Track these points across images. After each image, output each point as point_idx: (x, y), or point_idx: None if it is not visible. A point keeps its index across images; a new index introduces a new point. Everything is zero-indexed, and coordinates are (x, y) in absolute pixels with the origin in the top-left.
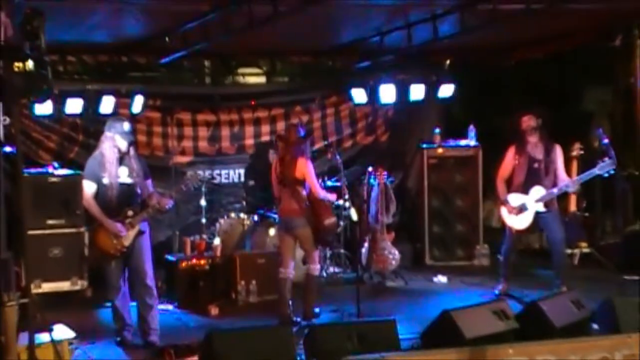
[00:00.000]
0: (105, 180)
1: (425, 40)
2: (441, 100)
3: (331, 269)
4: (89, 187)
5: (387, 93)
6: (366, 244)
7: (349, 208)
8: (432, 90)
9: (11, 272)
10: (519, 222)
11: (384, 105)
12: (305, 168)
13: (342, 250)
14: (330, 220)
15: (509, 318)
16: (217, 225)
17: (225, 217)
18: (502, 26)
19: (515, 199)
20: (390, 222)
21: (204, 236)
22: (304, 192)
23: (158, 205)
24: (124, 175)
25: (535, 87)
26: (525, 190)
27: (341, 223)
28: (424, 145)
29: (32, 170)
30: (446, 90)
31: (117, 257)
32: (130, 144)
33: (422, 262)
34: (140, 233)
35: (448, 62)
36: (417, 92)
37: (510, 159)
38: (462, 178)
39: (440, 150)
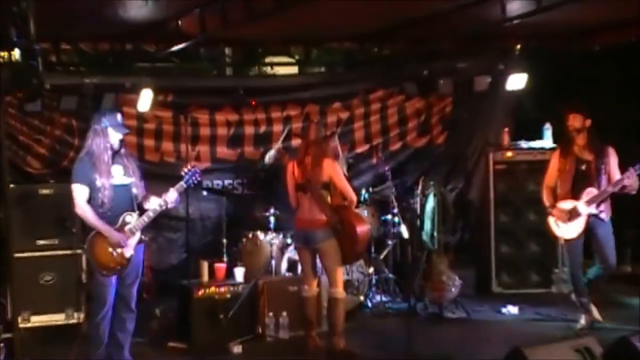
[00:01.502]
0: (98, 182)
1: (492, 20)
2: (510, 93)
3: (377, 298)
4: (81, 192)
5: (445, 85)
6: (420, 268)
7: (399, 224)
8: (499, 81)
9: None
10: (568, 231)
11: (441, 100)
12: (334, 170)
13: (390, 275)
14: (363, 228)
15: (594, 357)
16: (241, 245)
17: (250, 235)
18: (585, 3)
19: (564, 204)
20: (449, 241)
21: (225, 259)
22: (329, 197)
23: (164, 202)
24: (118, 175)
25: (626, 78)
26: (575, 195)
27: (389, 242)
28: (490, 148)
29: (20, 181)
30: (516, 82)
31: (116, 272)
32: (121, 140)
33: (487, 290)
34: (140, 241)
35: (518, 47)
36: (481, 83)
37: (554, 164)
38: (536, 187)
39: (509, 154)
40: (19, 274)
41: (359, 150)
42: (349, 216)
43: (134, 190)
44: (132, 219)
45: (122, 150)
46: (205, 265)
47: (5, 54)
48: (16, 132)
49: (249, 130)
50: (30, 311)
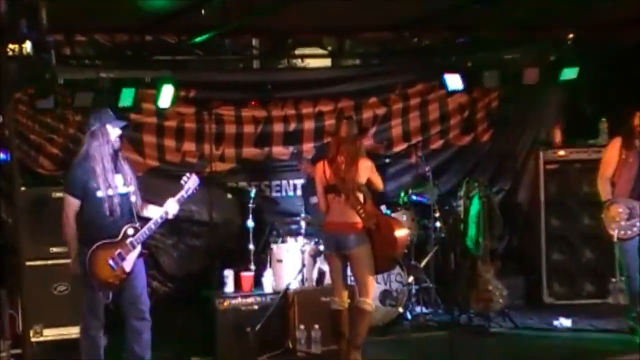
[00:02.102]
0: (100, 193)
1: (542, 7)
2: (562, 86)
3: (417, 309)
4: (70, 204)
5: (491, 78)
6: (464, 277)
7: (441, 230)
8: (550, 74)
9: (4, 314)
10: (623, 230)
11: (487, 94)
12: (370, 169)
13: (431, 285)
14: (402, 232)
15: None
16: (269, 252)
17: (280, 242)
18: None
19: (625, 202)
20: (496, 247)
21: (252, 267)
22: (364, 199)
23: (165, 214)
24: (120, 184)
25: None
26: (636, 195)
27: (430, 249)
28: (540, 146)
29: (31, 183)
30: (568, 74)
31: (115, 287)
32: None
33: (538, 300)
34: (141, 255)
35: (571, 37)
36: (530, 76)
37: (614, 154)
38: (591, 188)
39: (561, 153)
40: (30, 283)
41: (397, 149)
42: (387, 219)
43: (133, 199)
44: (132, 232)
45: (120, 154)
46: (230, 274)
47: (15, 46)
48: (27, 131)
49: (278, 127)
50: (43, 324)
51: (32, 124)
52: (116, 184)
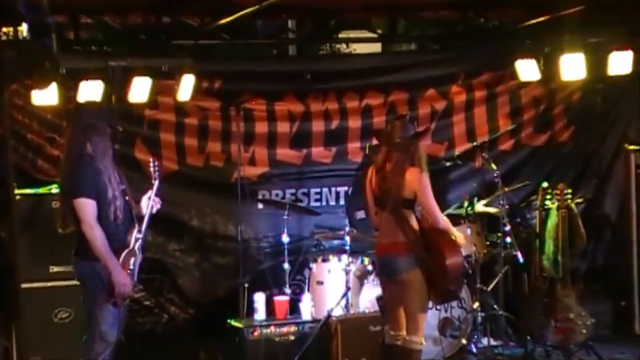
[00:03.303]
0: (110, 193)
1: None
2: None
3: (484, 341)
4: (91, 208)
5: (572, 65)
6: (540, 302)
7: (512, 246)
8: None
9: None
10: None
11: (567, 85)
12: (419, 182)
13: (500, 312)
14: (454, 260)
15: None
16: (308, 273)
17: (320, 260)
18: None
19: None
20: (578, 267)
21: (287, 290)
22: (414, 218)
23: (152, 208)
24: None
25: None
26: None
27: (499, 270)
28: (631, 147)
29: (29, 191)
30: None
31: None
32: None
33: (629, 330)
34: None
35: None
36: (619, 63)
37: None
38: None
39: None
40: (27, 309)
41: (459, 150)
42: (439, 242)
43: (127, 198)
44: (137, 235)
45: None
46: (261, 298)
47: (9, 30)
48: (24, 130)
49: (318, 125)
50: (42, 357)
51: (30, 121)
52: (118, 181)
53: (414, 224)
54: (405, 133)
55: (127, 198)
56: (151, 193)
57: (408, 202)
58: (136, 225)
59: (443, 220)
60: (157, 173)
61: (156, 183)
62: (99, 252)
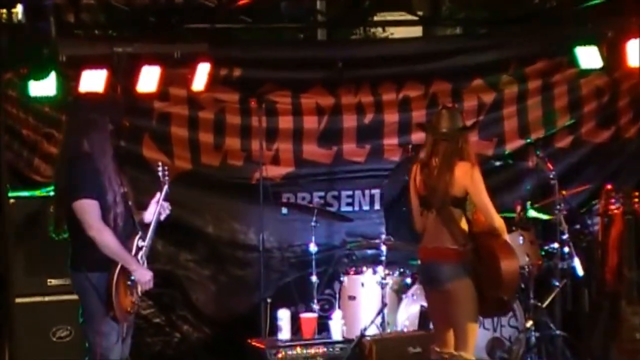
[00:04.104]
0: (110, 197)
1: None
2: None
3: None
4: (95, 209)
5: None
6: (602, 321)
7: (570, 256)
8: None
9: None
10: None
11: (633, 75)
12: (470, 177)
13: (557, 332)
14: (509, 264)
15: None
16: (338, 286)
17: (353, 272)
18: None
19: None
20: None
21: (315, 307)
22: (464, 219)
23: (160, 214)
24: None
25: None
26: None
27: (556, 283)
28: None
29: (24, 194)
30: None
31: (128, 319)
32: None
33: None
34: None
35: None
36: None
37: None
38: None
39: None
40: (22, 326)
41: (510, 147)
42: (492, 245)
43: (130, 203)
44: (142, 243)
45: None
46: (286, 315)
47: (3, 12)
48: (19, 125)
49: (350, 119)
50: None
51: (26, 115)
52: (119, 184)
53: (464, 225)
54: (453, 125)
55: (129, 203)
56: (159, 197)
57: (457, 201)
58: (139, 233)
59: (498, 220)
60: (165, 177)
61: (165, 187)
62: (117, 255)
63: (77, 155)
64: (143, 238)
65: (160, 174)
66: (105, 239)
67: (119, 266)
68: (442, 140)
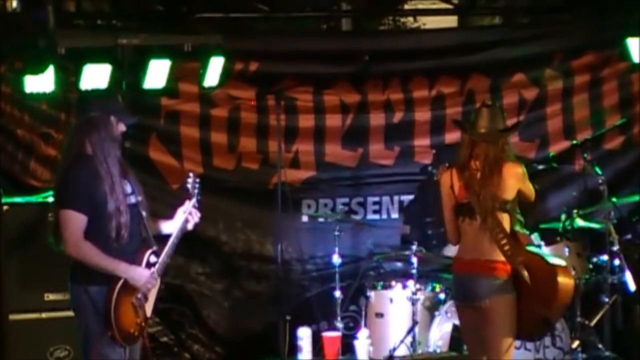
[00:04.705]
0: (111, 205)
1: None
2: None
3: None
4: (77, 222)
5: None
6: None
7: (621, 270)
8: None
9: None
10: None
11: None
12: (522, 176)
13: (607, 353)
14: (567, 283)
15: None
16: (364, 302)
17: (380, 287)
18: None
19: None
20: None
21: (339, 325)
22: (511, 227)
23: (187, 222)
24: (128, 191)
25: None
26: None
27: (605, 300)
28: None
29: (19, 200)
30: None
31: (133, 342)
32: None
33: None
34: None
35: None
36: None
37: None
38: None
39: None
40: (17, 346)
41: (555, 149)
42: (541, 258)
43: (144, 214)
44: (154, 259)
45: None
46: (307, 334)
47: None
48: (13, 124)
49: (377, 118)
50: None
51: (21, 113)
52: (126, 192)
53: (507, 234)
54: (493, 125)
55: (141, 212)
56: (188, 206)
57: (505, 205)
58: (153, 246)
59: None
60: (196, 190)
61: (193, 200)
62: (100, 266)
63: (76, 159)
64: (157, 252)
65: (189, 185)
66: (82, 255)
67: (121, 280)
68: (481, 142)
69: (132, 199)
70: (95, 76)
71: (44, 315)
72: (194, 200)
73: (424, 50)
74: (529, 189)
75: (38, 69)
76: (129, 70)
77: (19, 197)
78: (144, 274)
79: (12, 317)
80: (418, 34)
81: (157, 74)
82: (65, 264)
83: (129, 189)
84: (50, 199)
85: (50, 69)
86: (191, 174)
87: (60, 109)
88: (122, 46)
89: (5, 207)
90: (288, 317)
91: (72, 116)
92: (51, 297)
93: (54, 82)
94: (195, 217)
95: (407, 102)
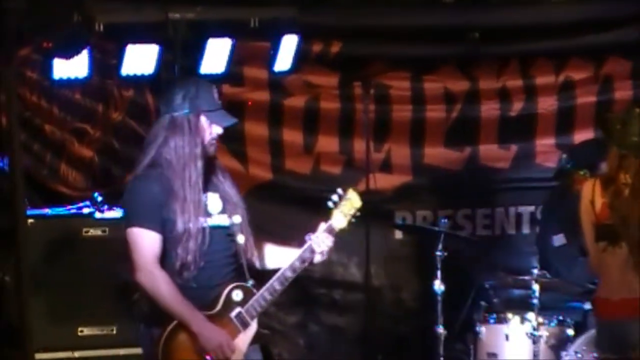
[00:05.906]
0: (180, 224)
1: None
2: None
3: None
4: (148, 242)
5: None
6: None
7: None
8: None
9: None
10: None
11: None
12: None
13: None
14: None
15: None
16: (473, 339)
17: (493, 321)
18: None
19: None
20: None
21: None
22: None
23: (308, 256)
24: (215, 210)
25: None
26: None
27: None
28: None
29: (47, 212)
30: None
31: None
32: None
33: None
34: (258, 338)
35: None
36: None
37: None
38: None
39: None
40: None
41: None
42: None
43: (240, 240)
44: (241, 296)
45: (217, 164)
46: None
47: None
48: (39, 117)
49: (490, 110)
50: None
51: (49, 104)
52: (209, 210)
53: None
54: None
55: (240, 237)
56: (323, 230)
57: None
58: (247, 278)
59: None
60: (341, 206)
61: (339, 217)
62: (167, 306)
63: (143, 172)
64: (244, 289)
65: (332, 202)
66: (156, 287)
67: (170, 326)
68: (631, 149)
69: (222, 220)
70: (140, 59)
71: (76, 354)
72: (331, 222)
73: (549, 26)
74: None
75: (70, 51)
76: (181, 52)
77: (46, 208)
78: (216, 338)
79: (39, 356)
80: (542, 6)
81: (216, 55)
82: (104, 291)
83: (215, 206)
84: (85, 210)
85: (85, 51)
86: (339, 190)
87: (97, 99)
88: (174, 22)
89: (30, 221)
90: (379, 357)
91: (111, 108)
92: (86, 331)
93: (88, 66)
94: (321, 251)
95: (527, 91)
